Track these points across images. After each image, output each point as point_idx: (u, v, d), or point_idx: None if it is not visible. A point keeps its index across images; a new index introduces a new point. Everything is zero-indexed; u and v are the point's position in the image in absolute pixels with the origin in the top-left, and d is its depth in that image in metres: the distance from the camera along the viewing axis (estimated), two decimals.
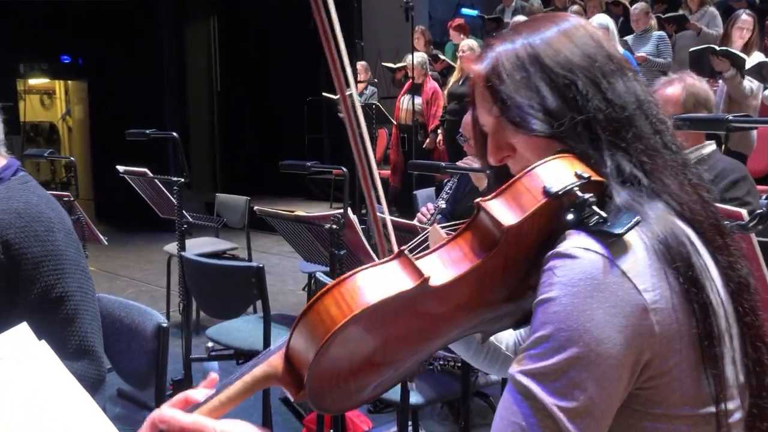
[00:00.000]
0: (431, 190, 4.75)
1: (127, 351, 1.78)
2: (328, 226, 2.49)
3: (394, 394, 2.23)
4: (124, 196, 5.88)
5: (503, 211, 0.78)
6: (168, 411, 0.75)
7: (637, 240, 0.78)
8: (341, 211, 2.52)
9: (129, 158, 3.78)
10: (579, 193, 0.78)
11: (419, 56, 6.67)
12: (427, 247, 1.04)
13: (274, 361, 0.78)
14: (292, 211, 2.73)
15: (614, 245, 0.77)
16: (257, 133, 9.83)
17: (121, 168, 3.55)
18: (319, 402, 0.77)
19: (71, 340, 1.42)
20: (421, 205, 3.67)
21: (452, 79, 6.52)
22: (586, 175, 0.79)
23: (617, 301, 0.74)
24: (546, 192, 0.78)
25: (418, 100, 6.80)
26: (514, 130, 0.88)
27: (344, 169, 2.61)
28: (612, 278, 0.75)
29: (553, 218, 0.80)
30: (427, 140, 6.90)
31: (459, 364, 2.32)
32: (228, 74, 10.18)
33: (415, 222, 3.01)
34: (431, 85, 6.93)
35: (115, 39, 8.84)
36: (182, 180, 3.20)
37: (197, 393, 0.80)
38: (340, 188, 8.07)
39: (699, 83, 2.32)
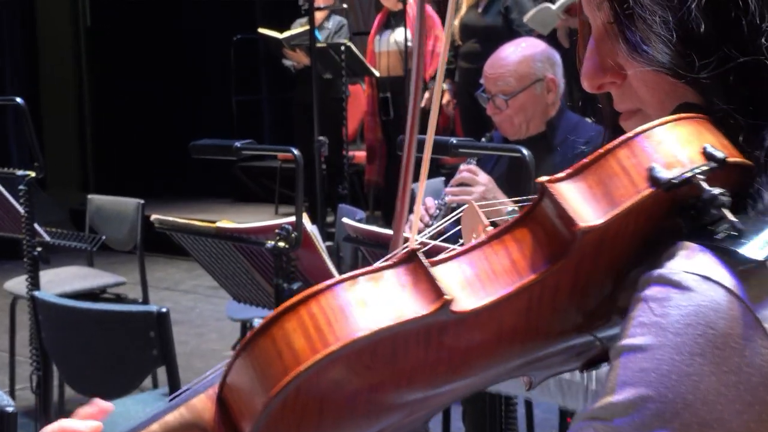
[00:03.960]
0: (438, 181, 4.78)
1: None
2: (271, 244, 2.51)
3: None
4: None
5: (581, 202, 0.78)
6: None
7: None
8: (292, 219, 2.53)
9: None
10: (704, 186, 0.78)
11: None
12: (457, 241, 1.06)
13: (198, 404, 0.81)
14: (214, 222, 2.73)
15: (750, 277, 0.77)
16: (154, 96, 9.81)
17: None
18: None
19: None
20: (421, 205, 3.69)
21: (464, 3, 6.53)
22: (720, 154, 0.79)
23: (742, 366, 0.75)
24: (653, 178, 0.77)
25: (399, 34, 6.81)
26: (627, 51, 0.88)
27: (296, 152, 2.62)
28: (740, 329, 0.75)
29: (661, 216, 0.80)
30: (425, 96, 6.92)
31: None
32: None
33: (406, 227, 3.05)
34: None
35: None
36: (32, 175, 3.20)
37: (77, 424, 0.84)
38: (290, 182, 8.07)
39: None
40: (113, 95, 9.94)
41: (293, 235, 2.51)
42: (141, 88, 9.78)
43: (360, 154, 7.71)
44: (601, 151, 0.80)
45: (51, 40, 10.03)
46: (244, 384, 0.76)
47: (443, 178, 4.85)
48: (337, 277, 0.76)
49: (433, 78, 6.78)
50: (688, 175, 0.77)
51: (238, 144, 2.67)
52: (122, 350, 2.55)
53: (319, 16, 6.92)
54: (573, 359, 0.92)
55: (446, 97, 6.83)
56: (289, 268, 2.60)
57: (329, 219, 6.89)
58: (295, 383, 0.73)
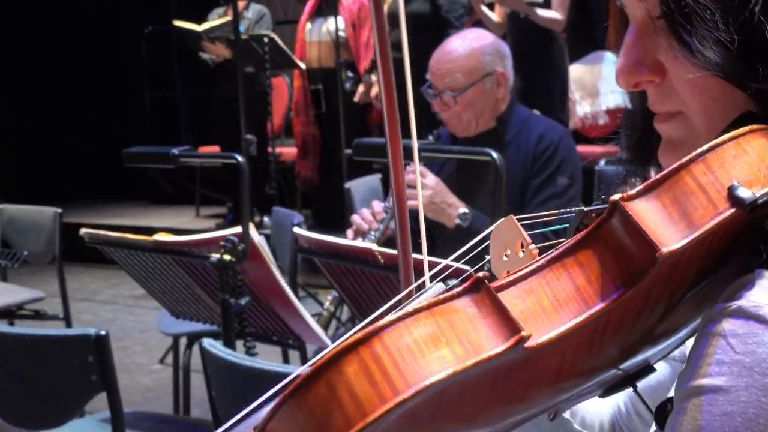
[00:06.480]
0: (374, 179, 4.79)
1: None
2: (216, 257, 2.50)
3: None
4: None
5: (658, 224, 0.75)
6: None
7: None
8: (238, 230, 2.52)
9: None
10: None
11: None
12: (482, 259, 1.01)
13: None
14: (152, 233, 2.70)
15: None
16: (58, 93, 9.64)
17: None
18: None
19: None
20: (359, 207, 3.69)
21: None
22: None
23: None
24: (735, 197, 0.75)
25: (332, 23, 6.81)
26: (681, 53, 0.85)
27: (240, 159, 2.61)
28: None
29: (734, 238, 0.78)
30: (359, 89, 6.91)
31: None
32: None
33: (348, 235, 3.03)
34: None
35: None
36: None
37: None
38: (211, 183, 8.01)
39: None
40: (11, 91, 9.72)
41: (240, 247, 2.50)
42: (43, 85, 9.60)
43: (287, 151, 7.68)
44: (674, 166, 0.77)
45: None
46: None
47: (379, 176, 4.86)
48: (396, 314, 0.71)
49: (368, 71, 6.77)
50: None
51: (175, 151, 2.65)
52: (59, 377, 2.50)
53: (239, 5, 6.87)
54: (596, 389, 0.91)
55: (375, 90, 6.79)
56: (235, 282, 2.58)
57: (259, 219, 6.86)
58: None
